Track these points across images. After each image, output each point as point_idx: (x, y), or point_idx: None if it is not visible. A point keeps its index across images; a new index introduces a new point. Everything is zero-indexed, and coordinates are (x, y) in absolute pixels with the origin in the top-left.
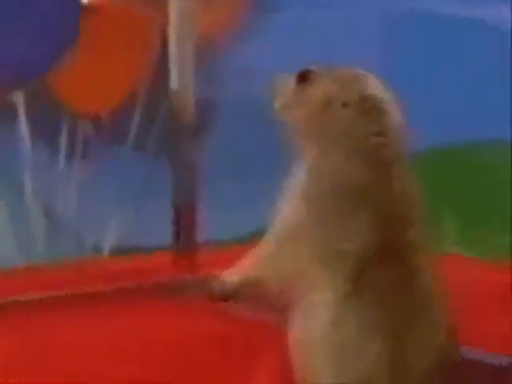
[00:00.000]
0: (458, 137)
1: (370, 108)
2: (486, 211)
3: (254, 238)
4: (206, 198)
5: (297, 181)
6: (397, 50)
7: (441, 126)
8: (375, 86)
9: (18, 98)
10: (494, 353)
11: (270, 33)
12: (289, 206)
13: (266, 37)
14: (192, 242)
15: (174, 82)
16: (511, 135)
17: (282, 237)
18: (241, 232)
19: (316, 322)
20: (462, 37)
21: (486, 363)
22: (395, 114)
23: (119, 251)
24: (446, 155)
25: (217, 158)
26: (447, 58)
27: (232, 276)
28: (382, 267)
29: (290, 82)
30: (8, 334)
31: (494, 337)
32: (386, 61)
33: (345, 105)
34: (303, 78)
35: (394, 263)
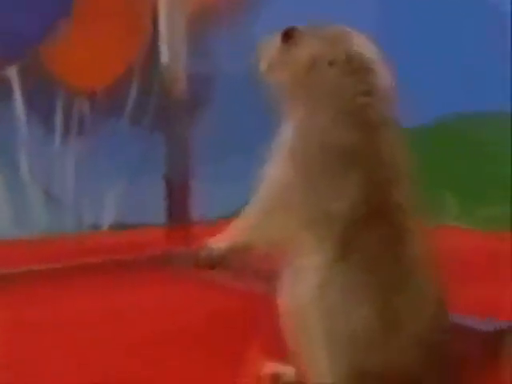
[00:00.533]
0: (459, 109)
1: (357, 67)
2: (485, 184)
3: None
4: (200, 173)
5: (282, 141)
6: (395, 24)
7: (441, 101)
8: (362, 45)
9: (12, 73)
10: (487, 318)
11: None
12: (276, 168)
13: (263, 7)
14: (185, 216)
15: (164, 57)
16: (511, 108)
17: (269, 203)
18: (236, 207)
19: (304, 287)
20: (461, 11)
21: (477, 329)
22: (383, 74)
23: (116, 226)
24: (443, 128)
25: (213, 133)
26: (446, 32)
27: (219, 243)
28: (370, 228)
29: (275, 41)
30: (9, 304)
31: (487, 302)
32: (383, 36)
33: (331, 63)
34: (288, 36)
35: (381, 223)
